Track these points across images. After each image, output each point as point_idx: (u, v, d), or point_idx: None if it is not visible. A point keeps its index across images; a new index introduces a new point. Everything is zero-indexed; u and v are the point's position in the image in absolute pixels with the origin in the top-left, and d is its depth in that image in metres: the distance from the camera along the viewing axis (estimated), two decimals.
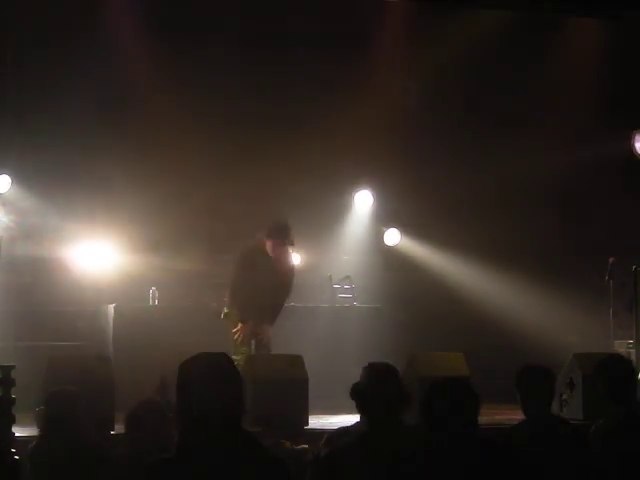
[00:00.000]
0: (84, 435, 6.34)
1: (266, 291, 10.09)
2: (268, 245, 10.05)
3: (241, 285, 10.11)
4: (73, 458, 6.09)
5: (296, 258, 10.98)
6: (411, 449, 4.13)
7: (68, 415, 6.23)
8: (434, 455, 3.98)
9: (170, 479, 3.44)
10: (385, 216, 13.59)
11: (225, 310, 10.30)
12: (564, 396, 9.29)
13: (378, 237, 13.62)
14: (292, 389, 8.96)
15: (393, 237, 13.63)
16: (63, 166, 11.74)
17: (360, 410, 4.98)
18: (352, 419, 5.65)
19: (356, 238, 13.49)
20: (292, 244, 10.15)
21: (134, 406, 5.61)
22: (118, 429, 8.34)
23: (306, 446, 7.74)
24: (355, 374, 5.13)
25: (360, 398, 4.88)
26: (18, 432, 7.19)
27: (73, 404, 6.29)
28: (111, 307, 11.17)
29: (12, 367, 7.05)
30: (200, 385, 3.48)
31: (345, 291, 12.37)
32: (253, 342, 10.19)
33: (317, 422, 8.73)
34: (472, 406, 4.06)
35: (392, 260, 13.51)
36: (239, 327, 10.07)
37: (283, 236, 10.01)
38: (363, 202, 13.59)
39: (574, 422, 7.20)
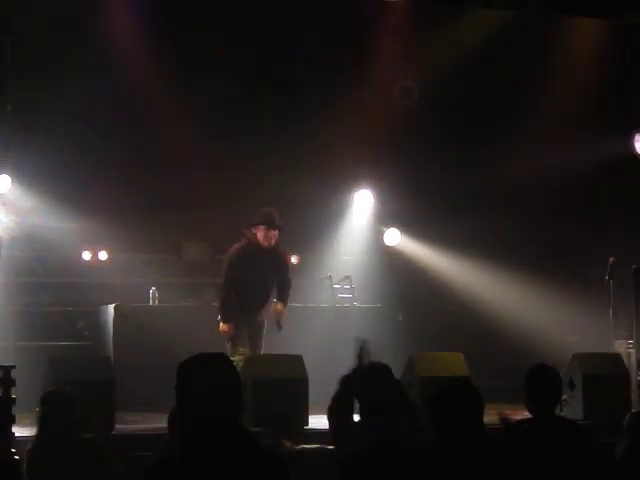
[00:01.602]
0: (80, 435, 6.35)
1: (261, 285, 10.12)
2: (259, 235, 10.06)
3: (231, 285, 10.10)
4: (70, 459, 6.10)
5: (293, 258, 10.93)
6: (418, 449, 4.14)
7: (64, 416, 6.24)
8: (439, 456, 3.98)
9: (167, 479, 3.44)
10: (385, 216, 13.59)
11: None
12: (564, 396, 9.29)
13: (378, 237, 13.61)
14: (292, 389, 8.96)
15: (393, 237, 13.62)
16: (63, 166, 11.73)
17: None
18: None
19: (356, 238, 13.49)
20: (279, 228, 10.14)
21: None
22: (118, 429, 8.35)
23: (306, 446, 7.75)
24: None
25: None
26: (18, 432, 7.20)
27: (69, 405, 6.30)
28: (111, 307, 11.17)
29: (12, 367, 7.06)
30: (198, 386, 3.49)
31: (345, 291, 12.36)
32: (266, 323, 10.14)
33: (317, 422, 8.72)
34: (476, 406, 4.06)
35: (392, 260, 13.51)
36: (221, 327, 10.02)
37: (269, 220, 10.05)
38: (363, 202, 13.58)
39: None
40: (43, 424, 6.28)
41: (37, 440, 6.30)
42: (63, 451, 6.12)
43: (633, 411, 5.99)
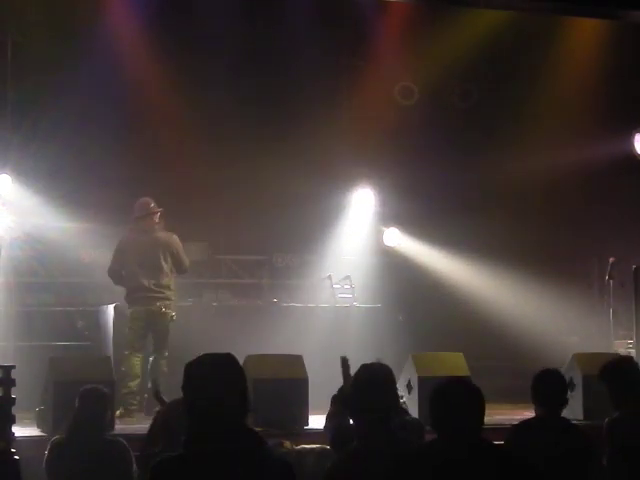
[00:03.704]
0: (108, 435, 6.41)
1: None
2: (161, 220, 10.64)
3: None
4: (95, 457, 6.15)
5: None
6: (414, 450, 4.14)
7: (97, 414, 6.30)
8: (438, 456, 3.97)
9: (173, 478, 3.46)
10: (385, 216, 13.58)
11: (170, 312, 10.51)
12: None
13: (378, 237, 13.61)
14: (292, 389, 8.96)
15: (393, 237, 13.62)
16: (63, 166, 11.73)
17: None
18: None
19: (356, 238, 13.48)
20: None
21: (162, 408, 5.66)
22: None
23: (306, 446, 7.74)
24: None
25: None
26: (18, 432, 7.21)
27: (103, 405, 6.37)
28: (111, 307, 11.16)
29: (12, 367, 7.06)
30: (201, 385, 3.52)
31: (345, 291, 12.37)
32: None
33: (317, 422, 8.71)
34: (476, 406, 4.05)
35: (392, 260, 13.50)
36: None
37: None
38: (363, 201, 13.58)
39: (574, 422, 7.20)
40: (76, 420, 6.33)
41: (67, 435, 6.34)
42: (90, 449, 6.17)
43: (610, 418, 6.02)
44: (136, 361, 10.21)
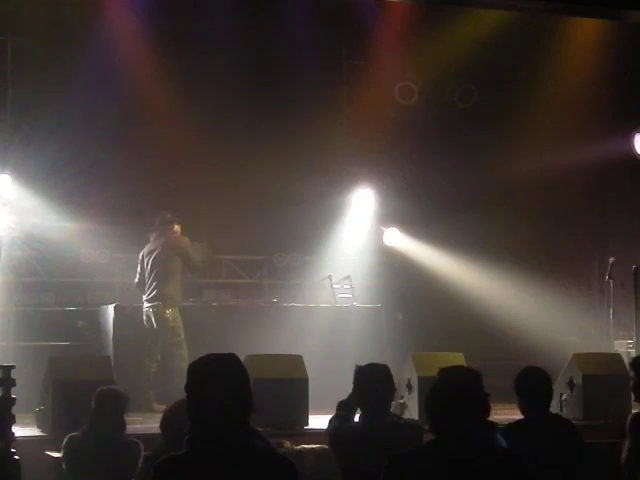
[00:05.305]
0: (122, 434, 6.42)
1: None
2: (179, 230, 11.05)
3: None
4: (112, 456, 6.17)
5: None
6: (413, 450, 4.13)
7: (114, 415, 6.31)
8: (438, 456, 3.97)
9: (175, 477, 3.47)
10: (385, 216, 13.58)
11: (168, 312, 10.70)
12: (564, 396, 9.29)
13: (378, 237, 13.61)
14: (292, 389, 8.95)
15: (393, 237, 13.61)
16: (63, 166, 11.73)
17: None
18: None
19: (356, 238, 13.47)
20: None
21: (168, 408, 5.69)
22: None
23: (306, 446, 7.76)
24: None
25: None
26: (18, 432, 7.21)
27: (120, 405, 6.39)
28: (111, 307, 11.17)
29: (12, 367, 7.06)
30: (204, 385, 3.53)
31: (345, 291, 12.37)
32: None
33: (317, 422, 8.71)
34: (474, 405, 4.04)
35: (392, 260, 13.50)
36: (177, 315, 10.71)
37: None
38: (363, 201, 13.57)
39: (574, 422, 7.20)
40: (93, 420, 6.34)
41: (83, 434, 6.35)
42: (107, 449, 6.19)
43: (634, 412, 6.00)
44: (147, 361, 10.69)
